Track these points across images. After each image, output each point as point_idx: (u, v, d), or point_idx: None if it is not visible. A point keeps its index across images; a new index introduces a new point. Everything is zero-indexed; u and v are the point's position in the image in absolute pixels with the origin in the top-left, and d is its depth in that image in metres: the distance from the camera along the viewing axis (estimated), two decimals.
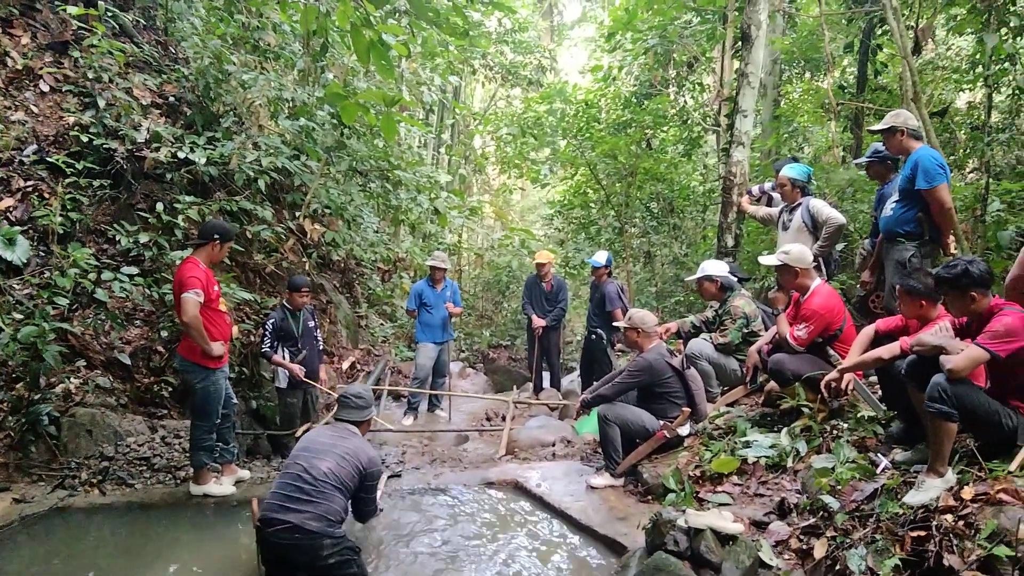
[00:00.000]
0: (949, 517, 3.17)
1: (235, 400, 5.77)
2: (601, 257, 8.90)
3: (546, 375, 9.93)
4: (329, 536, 3.55)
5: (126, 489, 5.31)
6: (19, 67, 7.39)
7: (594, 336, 8.74)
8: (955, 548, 3.04)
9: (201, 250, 5.27)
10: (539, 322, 9.28)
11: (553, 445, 6.82)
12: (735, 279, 6.63)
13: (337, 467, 3.62)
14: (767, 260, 5.66)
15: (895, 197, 5.20)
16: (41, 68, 7.52)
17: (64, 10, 7.53)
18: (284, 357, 6.68)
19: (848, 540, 3.47)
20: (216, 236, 5.28)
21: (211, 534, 4.86)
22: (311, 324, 7.00)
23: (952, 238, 5.11)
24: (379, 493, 4.01)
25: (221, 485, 5.36)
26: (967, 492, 3.26)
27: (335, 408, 4.02)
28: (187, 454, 5.56)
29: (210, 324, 5.15)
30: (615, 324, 6.87)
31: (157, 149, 7.25)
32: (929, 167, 4.88)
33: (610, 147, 11.89)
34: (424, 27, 9.49)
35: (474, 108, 21.40)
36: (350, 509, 3.96)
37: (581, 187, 14.24)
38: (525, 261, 15.87)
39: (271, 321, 6.72)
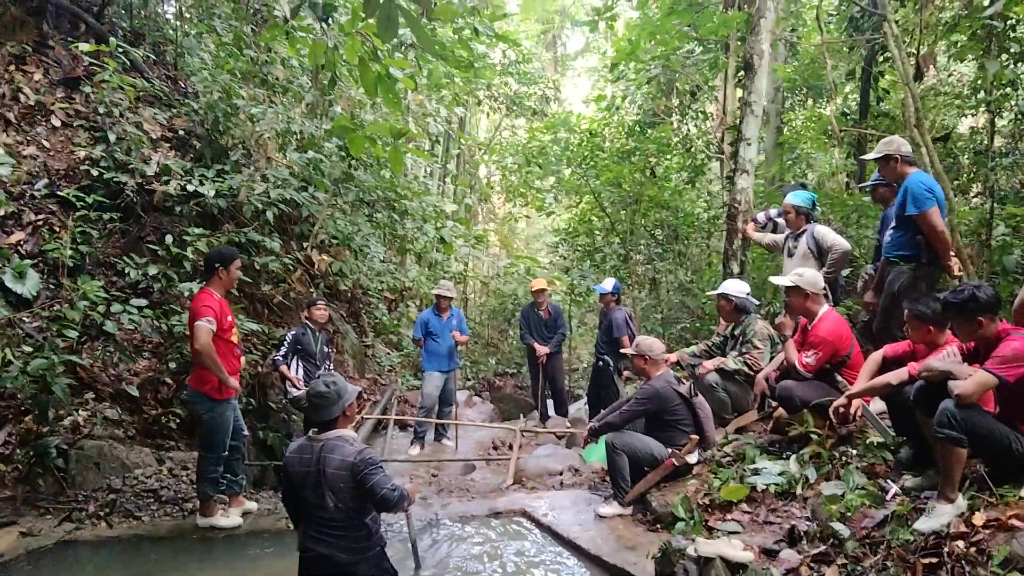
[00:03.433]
0: (961, 543, 3.15)
1: (245, 432, 5.75)
2: (608, 284, 8.90)
3: (551, 403, 9.89)
4: (363, 560, 3.54)
5: (133, 522, 5.30)
6: (31, 103, 7.52)
7: (601, 363, 8.71)
8: (967, 575, 3.01)
9: (213, 282, 5.29)
10: (543, 350, 9.26)
11: (561, 474, 6.78)
12: (755, 302, 6.61)
13: (338, 500, 3.51)
14: (779, 280, 5.68)
15: (893, 223, 5.23)
16: (53, 103, 7.65)
17: (76, 47, 7.67)
18: (299, 373, 6.81)
19: (859, 568, 3.44)
20: (217, 264, 5.29)
21: (219, 566, 4.83)
22: (326, 350, 7.11)
23: (955, 260, 5.09)
24: (392, 479, 3.77)
25: (228, 517, 5.34)
26: (978, 518, 3.24)
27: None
28: (194, 486, 5.55)
29: (219, 354, 5.14)
30: (622, 351, 6.86)
31: (167, 182, 7.34)
32: (917, 193, 4.90)
33: (614, 175, 11.95)
34: (430, 60, 9.63)
35: (479, 138, 21.56)
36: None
37: (586, 215, 14.29)
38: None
39: (290, 333, 6.87)
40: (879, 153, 5.23)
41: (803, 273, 5.31)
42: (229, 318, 5.31)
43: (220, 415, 5.22)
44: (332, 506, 3.51)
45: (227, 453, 5.34)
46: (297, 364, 6.95)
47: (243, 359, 5.96)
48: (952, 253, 5.06)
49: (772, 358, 6.15)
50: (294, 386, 6.76)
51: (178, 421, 6.56)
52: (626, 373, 8.61)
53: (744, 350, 6.20)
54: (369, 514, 3.64)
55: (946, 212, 5.22)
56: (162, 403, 6.60)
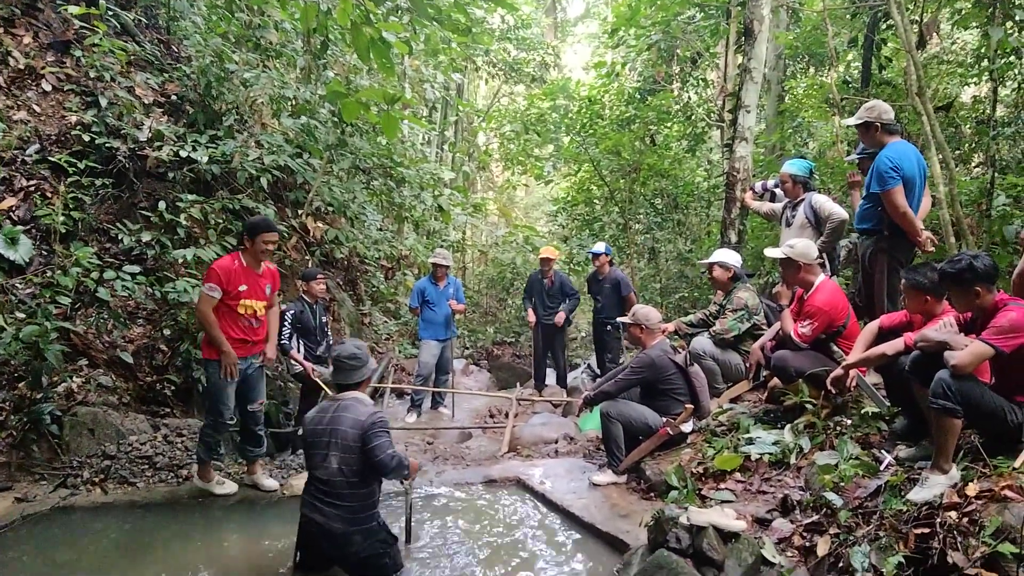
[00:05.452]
0: (953, 514, 3.15)
1: (263, 399, 5.61)
2: (600, 245, 8.98)
3: (552, 371, 9.92)
4: (358, 531, 3.54)
5: (128, 488, 5.30)
6: (21, 66, 7.39)
7: (609, 327, 8.71)
8: (959, 545, 3.01)
9: (244, 250, 5.21)
10: (531, 317, 9.44)
11: (556, 442, 6.81)
12: (745, 274, 6.62)
13: (344, 459, 3.51)
14: (772, 252, 5.65)
15: (864, 193, 5.18)
16: (43, 67, 7.52)
17: (66, 9, 7.52)
18: (300, 351, 6.78)
19: (851, 537, 3.44)
20: (244, 234, 5.25)
21: (215, 532, 4.85)
22: (324, 319, 7.06)
23: (926, 234, 4.91)
24: (395, 445, 3.75)
25: (223, 485, 5.31)
26: (971, 489, 3.24)
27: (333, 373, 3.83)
28: (189, 452, 5.56)
29: (222, 320, 5.05)
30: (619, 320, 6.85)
31: (159, 148, 7.23)
32: (883, 170, 4.80)
33: (614, 143, 11.86)
34: (426, 24, 9.44)
35: (477, 105, 21.36)
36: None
37: (585, 183, 14.21)
38: (529, 258, 15.85)
39: (290, 312, 6.76)
40: (859, 119, 5.11)
41: (795, 244, 5.28)
42: (242, 288, 5.11)
43: (214, 375, 5.12)
44: (336, 468, 3.53)
45: (224, 420, 5.22)
46: (298, 342, 6.88)
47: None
48: (921, 228, 4.89)
49: (755, 327, 6.17)
50: (308, 375, 6.67)
51: (173, 388, 6.54)
52: (625, 341, 8.63)
53: (722, 318, 6.31)
54: (369, 485, 3.65)
55: (923, 187, 5.07)
56: (157, 370, 6.57)
